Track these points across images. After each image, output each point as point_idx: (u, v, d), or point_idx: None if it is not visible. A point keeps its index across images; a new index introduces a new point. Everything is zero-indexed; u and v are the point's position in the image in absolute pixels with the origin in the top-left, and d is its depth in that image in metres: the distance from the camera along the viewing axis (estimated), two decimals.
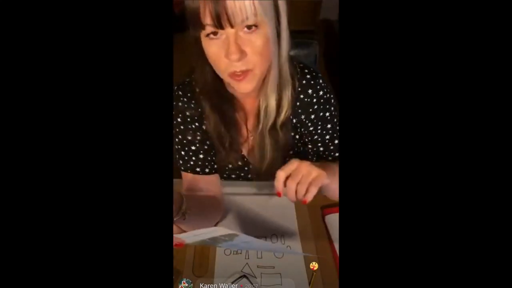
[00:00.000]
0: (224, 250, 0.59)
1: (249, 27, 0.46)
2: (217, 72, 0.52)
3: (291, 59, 0.57)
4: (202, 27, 0.46)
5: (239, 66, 0.48)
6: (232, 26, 0.45)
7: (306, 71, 0.62)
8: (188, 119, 0.61)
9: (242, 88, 0.51)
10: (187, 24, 0.49)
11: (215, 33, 0.46)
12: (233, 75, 0.49)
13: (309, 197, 0.48)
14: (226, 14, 0.43)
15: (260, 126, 0.59)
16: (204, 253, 0.58)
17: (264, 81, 0.55)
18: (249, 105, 0.62)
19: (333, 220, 0.63)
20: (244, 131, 0.65)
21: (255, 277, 0.55)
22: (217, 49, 0.48)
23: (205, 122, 0.61)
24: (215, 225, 0.63)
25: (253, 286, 0.53)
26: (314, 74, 0.62)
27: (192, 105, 0.61)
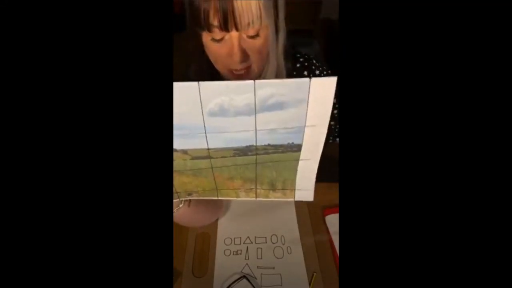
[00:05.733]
0: (224, 251, 0.58)
1: (251, 37, 0.47)
2: (216, 66, 0.53)
3: (290, 55, 0.58)
4: (208, 28, 0.45)
5: (239, 65, 0.49)
6: (237, 29, 0.45)
7: (306, 64, 0.64)
8: None
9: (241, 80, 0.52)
10: (187, 21, 0.49)
11: (220, 40, 0.47)
12: (232, 72, 0.50)
13: None
14: (233, 16, 0.43)
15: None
16: (204, 253, 0.58)
17: (261, 75, 0.55)
18: None
19: (333, 220, 0.63)
20: None
21: (255, 277, 0.55)
22: (219, 48, 0.48)
23: None
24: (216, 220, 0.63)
25: (253, 286, 0.53)
26: (312, 67, 0.64)
27: None
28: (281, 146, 0.39)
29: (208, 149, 0.38)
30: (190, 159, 0.40)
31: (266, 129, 0.36)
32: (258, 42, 0.48)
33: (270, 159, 0.41)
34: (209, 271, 0.55)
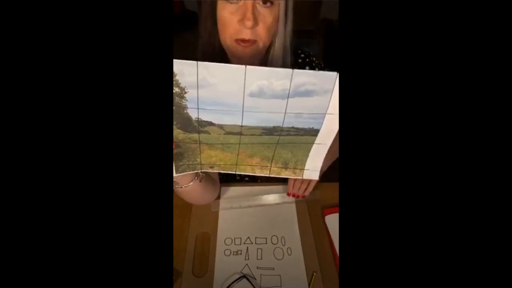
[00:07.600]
0: (224, 251, 0.59)
1: (265, 1, 0.49)
2: (223, 36, 0.55)
3: (292, 51, 0.62)
4: None
5: (248, 34, 0.51)
6: None
7: (307, 60, 0.69)
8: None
9: (245, 54, 0.55)
10: None
11: (234, 2, 0.50)
12: (240, 41, 0.53)
13: (307, 193, 0.66)
14: None
15: None
16: (204, 253, 0.58)
17: (268, 52, 0.58)
18: None
19: (333, 220, 0.63)
20: None
21: (255, 278, 0.55)
22: (231, 13, 0.51)
23: None
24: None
25: (253, 287, 0.53)
26: (312, 64, 0.69)
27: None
28: (303, 129, 0.44)
29: (241, 126, 0.42)
30: (224, 134, 0.44)
31: (294, 113, 0.41)
32: (268, 15, 0.51)
33: (289, 140, 0.46)
34: (209, 271, 0.55)
